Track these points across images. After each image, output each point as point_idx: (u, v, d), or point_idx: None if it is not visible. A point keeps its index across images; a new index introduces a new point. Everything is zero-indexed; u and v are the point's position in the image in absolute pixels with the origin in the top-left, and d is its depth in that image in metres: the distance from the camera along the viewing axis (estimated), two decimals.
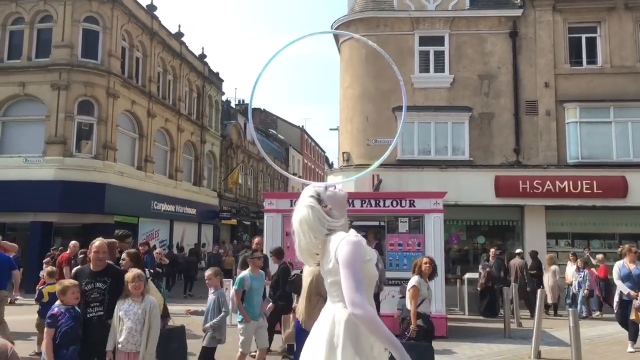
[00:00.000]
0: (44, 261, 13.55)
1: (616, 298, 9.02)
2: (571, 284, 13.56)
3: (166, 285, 13.62)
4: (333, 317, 2.45)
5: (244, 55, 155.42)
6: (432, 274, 6.90)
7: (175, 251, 21.42)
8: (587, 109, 16.51)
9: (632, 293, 8.63)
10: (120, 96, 19.49)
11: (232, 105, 39.01)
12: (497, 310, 12.69)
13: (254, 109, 48.22)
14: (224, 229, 31.70)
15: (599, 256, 14.20)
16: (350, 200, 10.03)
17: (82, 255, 9.81)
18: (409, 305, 6.60)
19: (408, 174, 16.17)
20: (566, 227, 16.72)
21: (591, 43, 17.03)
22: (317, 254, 2.56)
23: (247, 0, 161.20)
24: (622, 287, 8.83)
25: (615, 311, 9.11)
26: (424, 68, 17.22)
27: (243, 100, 42.52)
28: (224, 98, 33.83)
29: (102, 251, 5.32)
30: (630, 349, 8.76)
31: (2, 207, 16.87)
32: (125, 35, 20.45)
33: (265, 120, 50.75)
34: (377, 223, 11.12)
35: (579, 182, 15.71)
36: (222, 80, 31.96)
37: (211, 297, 6.55)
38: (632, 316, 8.65)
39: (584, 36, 17.03)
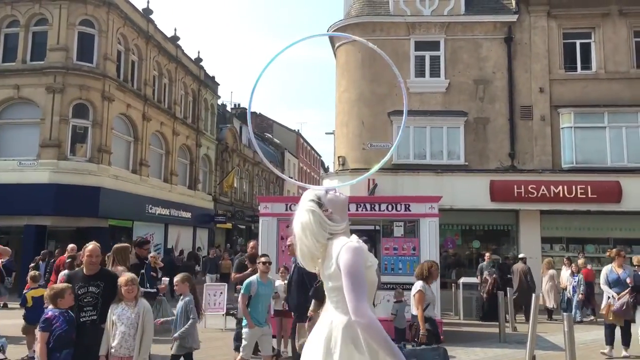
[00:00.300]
0: (30, 266, 13.48)
1: (604, 303, 9.05)
2: (566, 289, 13.59)
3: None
4: (331, 322, 2.45)
5: (239, 59, 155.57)
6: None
7: (176, 254, 21.41)
8: (582, 114, 16.59)
9: (615, 295, 8.71)
10: (116, 99, 19.45)
11: (228, 109, 39.02)
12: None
13: (251, 113, 48.19)
14: (219, 233, 31.62)
15: (580, 261, 14.32)
16: None
17: (69, 260, 9.75)
18: (414, 310, 6.58)
19: (403, 178, 16.19)
20: (561, 231, 16.76)
21: (586, 49, 17.13)
22: (319, 258, 2.54)
23: (243, 4, 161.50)
24: (607, 291, 8.92)
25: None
26: (420, 73, 17.27)
27: (239, 104, 42.52)
28: (219, 102, 33.83)
29: (95, 255, 5.30)
30: (623, 352, 8.77)
31: None
32: (120, 38, 20.41)
33: (261, 124, 50.74)
34: (372, 227, 11.10)
35: (574, 187, 15.77)
36: (218, 84, 31.96)
37: (180, 303, 6.29)
38: (610, 317, 8.75)
39: (578, 42, 17.13)
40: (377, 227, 10.71)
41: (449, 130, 16.91)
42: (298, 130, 56.63)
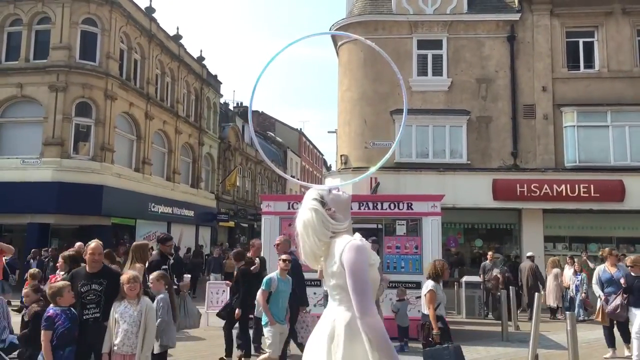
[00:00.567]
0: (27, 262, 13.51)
1: (599, 304, 9.04)
2: (569, 288, 13.58)
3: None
4: (334, 319, 2.46)
5: (242, 57, 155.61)
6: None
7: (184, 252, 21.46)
8: (585, 113, 16.55)
9: (602, 295, 8.72)
10: (118, 98, 19.48)
11: (230, 107, 39.03)
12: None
13: (253, 112, 48.20)
14: (221, 231, 31.66)
15: (553, 258, 14.34)
16: None
17: (46, 259, 9.63)
18: (424, 309, 6.57)
19: (406, 177, 16.18)
20: (564, 230, 16.74)
21: (589, 47, 17.08)
22: (321, 257, 2.56)
23: (245, 3, 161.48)
24: (596, 291, 8.94)
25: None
26: (422, 71, 17.25)
27: (241, 103, 42.55)
28: (222, 100, 33.85)
29: (98, 253, 5.31)
30: (626, 352, 8.75)
31: None
32: (123, 37, 20.44)
33: (264, 123, 50.77)
34: (374, 226, 11.11)
35: (577, 185, 15.74)
36: (220, 83, 31.98)
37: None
38: (598, 318, 8.75)
39: (581, 40, 17.08)
40: (380, 226, 10.72)
41: (452, 129, 16.89)
42: (300, 128, 56.66)
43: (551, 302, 13.65)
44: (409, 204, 10.31)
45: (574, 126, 16.46)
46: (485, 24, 17.28)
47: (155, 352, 5.97)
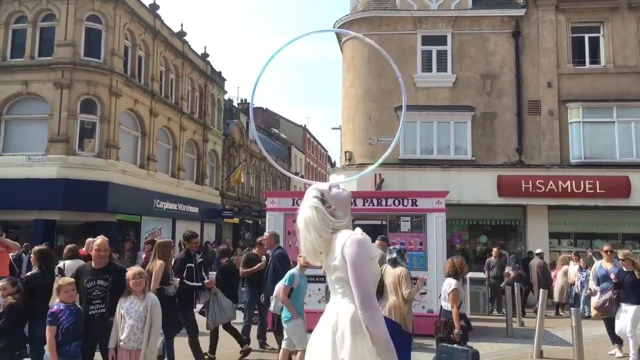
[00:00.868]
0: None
1: (593, 299, 9.03)
2: (574, 284, 13.58)
3: None
4: (337, 313, 2.50)
5: (246, 54, 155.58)
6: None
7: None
8: (590, 108, 16.48)
9: (595, 288, 8.71)
10: (123, 95, 19.51)
11: (235, 104, 39.02)
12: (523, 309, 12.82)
13: (256, 108, 48.24)
14: (226, 228, 31.71)
15: (561, 257, 14.36)
16: (353, 200, 9.95)
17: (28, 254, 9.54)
18: (446, 306, 6.58)
19: (410, 173, 16.17)
20: (569, 227, 16.70)
21: (594, 43, 16.99)
22: (322, 253, 2.60)
23: None
24: (591, 286, 8.95)
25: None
26: (427, 67, 17.21)
27: (245, 99, 42.50)
28: (226, 97, 33.84)
29: (104, 249, 5.35)
30: (617, 352, 8.68)
31: (5, 205, 16.90)
32: (127, 34, 20.46)
33: (268, 120, 50.76)
34: (379, 222, 11.12)
35: (582, 182, 15.68)
36: (225, 79, 31.96)
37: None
38: (592, 313, 8.76)
39: (587, 36, 17.00)
40: (384, 222, 10.72)
41: (456, 125, 16.85)
42: (305, 125, 56.61)
43: (556, 298, 13.69)
44: (414, 201, 10.31)
45: (580, 122, 16.39)
46: (490, 19, 17.22)
47: None
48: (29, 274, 6.61)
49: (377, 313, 2.37)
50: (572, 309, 7.60)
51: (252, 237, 31.83)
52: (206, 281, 7.57)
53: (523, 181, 15.93)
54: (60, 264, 7.74)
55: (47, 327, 4.92)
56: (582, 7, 17.00)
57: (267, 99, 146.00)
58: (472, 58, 17.08)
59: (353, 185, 14.16)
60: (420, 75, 17.02)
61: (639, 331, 8.18)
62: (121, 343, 5.01)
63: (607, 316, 8.58)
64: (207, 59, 29.12)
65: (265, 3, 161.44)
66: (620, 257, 8.48)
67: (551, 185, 15.79)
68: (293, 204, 10.23)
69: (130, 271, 5.22)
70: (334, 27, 18.50)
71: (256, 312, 9.19)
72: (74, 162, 17.80)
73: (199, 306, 8.06)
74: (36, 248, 6.55)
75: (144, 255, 11.74)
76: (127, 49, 20.55)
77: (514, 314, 10.94)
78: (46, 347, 5.06)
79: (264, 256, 9.18)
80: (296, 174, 45.98)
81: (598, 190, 15.59)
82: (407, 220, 10.41)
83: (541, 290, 9.44)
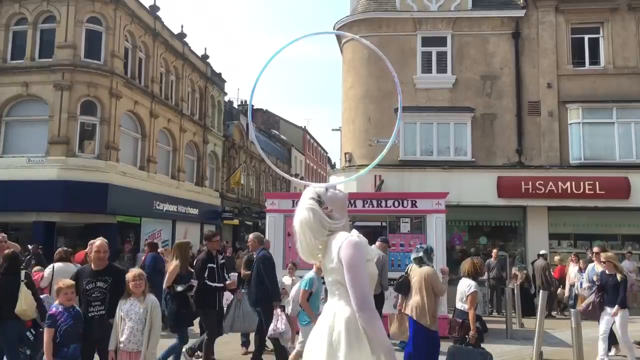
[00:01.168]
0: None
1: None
2: (573, 285, 13.57)
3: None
4: (334, 315, 2.50)
5: (246, 56, 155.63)
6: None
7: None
8: (590, 109, 16.48)
9: (583, 288, 8.69)
10: (123, 96, 19.52)
11: (235, 105, 39.03)
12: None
13: (256, 110, 48.25)
14: (226, 229, 31.69)
15: (556, 257, 14.33)
16: (352, 201, 10.04)
17: (27, 256, 9.62)
18: (459, 306, 6.58)
19: (410, 174, 16.17)
20: (569, 228, 16.69)
21: (594, 44, 17.00)
22: (319, 254, 2.60)
23: (250, 1, 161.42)
24: (584, 285, 8.93)
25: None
26: (427, 69, 17.22)
27: (245, 101, 42.45)
28: (226, 98, 33.84)
29: (103, 250, 5.35)
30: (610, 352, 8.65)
31: (5, 207, 16.90)
32: (128, 35, 20.48)
33: (268, 121, 50.76)
34: (379, 223, 11.13)
35: (582, 183, 15.68)
36: (225, 81, 31.97)
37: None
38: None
39: (586, 37, 17.00)
40: (384, 224, 10.73)
41: (456, 126, 16.86)
42: (305, 126, 56.61)
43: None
44: (413, 202, 10.32)
45: (579, 123, 16.40)
46: (490, 20, 17.23)
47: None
48: None
49: (374, 315, 2.36)
50: (572, 310, 7.60)
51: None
52: (228, 282, 7.46)
53: (523, 182, 15.93)
54: (50, 267, 7.76)
55: (45, 330, 4.93)
56: (582, 8, 17.02)
57: (267, 100, 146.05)
58: (472, 59, 17.09)
59: (353, 187, 14.18)
60: (420, 77, 17.04)
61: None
62: (121, 345, 5.01)
63: (592, 319, 8.44)
64: (207, 60, 29.14)
65: (265, 4, 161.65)
66: (602, 259, 8.28)
67: (551, 186, 15.79)
68: (293, 206, 10.14)
69: (130, 273, 5.22)
70: (333, 28, 18.49)
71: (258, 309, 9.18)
72: (74, 164, 17.80)
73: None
74: (7, 251, 6.50)
75: (143, 257, 11.75)
76: (128, 51, 20.57)
77: (524, 315, 10.94)
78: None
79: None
80: (296, 175, 45.99)
81: (598, 191, 15.59)
82: (407, 222, 10.43)
83: (541, 291, 9.44)
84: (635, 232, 16.33)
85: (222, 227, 30.52)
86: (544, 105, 16.67)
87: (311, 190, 2.65)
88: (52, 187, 17.10)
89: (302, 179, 46.98)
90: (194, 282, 7.01)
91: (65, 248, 8.32)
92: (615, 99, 16.31)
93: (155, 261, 10.54)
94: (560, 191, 15.75)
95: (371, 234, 9.77)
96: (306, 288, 6.72)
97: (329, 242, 2.54)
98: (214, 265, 7.27)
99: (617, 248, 15.79)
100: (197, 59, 27.65)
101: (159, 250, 12.34)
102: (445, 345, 6.56)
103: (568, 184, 15.72)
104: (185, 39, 26.05)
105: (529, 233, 16.36)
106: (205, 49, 42.50)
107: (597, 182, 15.63)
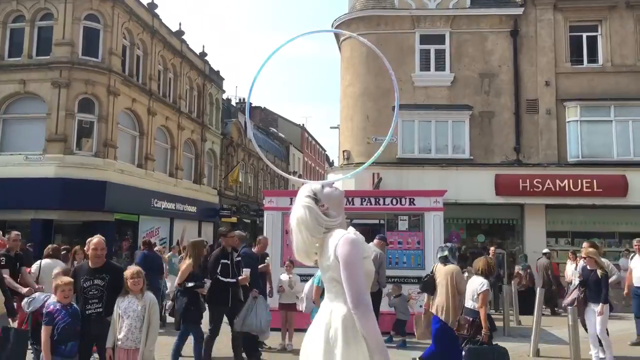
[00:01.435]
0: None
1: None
2: (571, 282, 13.61)
3: None
4: (330, 313, 2.49)
5: (244, 53, 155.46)
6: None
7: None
8: (588, 107, 16.50)
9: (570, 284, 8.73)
10: (121, 94, 19.49)
11: (233, 103, 39.00)
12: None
13: (255, 108, 48.19)
14: (224, 227, 31.70)
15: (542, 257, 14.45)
16: (350, 198, 10.04)
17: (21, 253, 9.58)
18: (469, 304, 6.52)
19: (408, 172, 16.18)
20: (566, 225, 16.72)
21: (592, 42, 17.01)
22: (315, 253, 2.59)
23: None
24: (574, 282, 8.97)
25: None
26: (425, 66, 17.22)
27: (244, 99, 42.43)
28: (224, 96, 33.81)
29: (100, 248, 5.34)
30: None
31: (2, 205, 16.87)
32: (125, 33, 20.43)
33: (266, 119, 50.73)
34: (377, 221, 11.14)
35: (579, 180, 15.71)
36: (223, 79, 31.94)
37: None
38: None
39: (584, 35, 17.02)
40: (382, 221, 10.73)
41: (454, 124, 16.88)
42: (303, 124, 56.61)
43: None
44: (411, 200, 10.33)
45: (577, 121, 16.42)
46: (488, 18, 17.23)
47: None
48: None
49: (369, 312, 2.35)
50: (569, 307, 7.61)
51: (249, 236, 31.80)
52: (240, 277, 7.39)
53: (521, 180, 15.95)
54: (37, 263, 7.77)
55: (43, 327, 4.92)
56: (580, 6, 17.03)
57: (265, 98, 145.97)
58: (470, 57, 17.09)
59: (351, 185, 14.19)
60: (419, 74, 17.04)
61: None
62: (119, 342, 5.01)
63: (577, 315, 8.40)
64: (205, 58, 29.09)
65: (264, 2, 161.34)
66: (582, 254, 8.17)
67: (549, 184, 15.82)
68: (291, 203, 10.06)
69: (129, 270, 5.22)
70: (332, 26, 18.48)
71: None
72: (71, 162, 17.77)
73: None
74: None
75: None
76: (125, 48, 20.52)
77: (534, 314, 10.96)
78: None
79: (267, 258, 9.25)
80: (294, 173, 45.98)
81: (595, 189, 15.62)
82: (405, 219, 10.43)
83: (538, 289, 9.47)
84: (633, 230, 16.33)
85: (220, 224, 30.53)
86: (542, 103, 16.69)
87: (307, 187, 2.64)
88: (50, 184, 17.08)
89: (300, 176, 46.99)
90: (207, 281, 7.00)
91: (55, 245, 8.29)
92: (613, 97, 16.33)
93: (146, 259, 10.36)
94: (557, 189, 15.78)
95: (369, 232, 9.80)
96: (319, 284, 6.70)
97: (326, 240, 2.52)
98: (228, 262, 7.23)
99: (614, 246, 15.85)
100: (195, 56, 27.61)
101: (156, 248, 12.30)
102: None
103: (566, 181, 15.75)
104: (183, 37, 26.00)
105: (526, 231, 16.39)
106: (203, 46, 42.29)
107: (594, 180, 15.66)
